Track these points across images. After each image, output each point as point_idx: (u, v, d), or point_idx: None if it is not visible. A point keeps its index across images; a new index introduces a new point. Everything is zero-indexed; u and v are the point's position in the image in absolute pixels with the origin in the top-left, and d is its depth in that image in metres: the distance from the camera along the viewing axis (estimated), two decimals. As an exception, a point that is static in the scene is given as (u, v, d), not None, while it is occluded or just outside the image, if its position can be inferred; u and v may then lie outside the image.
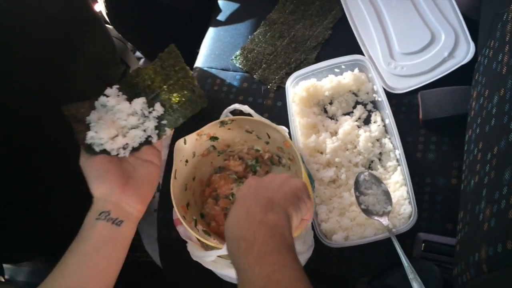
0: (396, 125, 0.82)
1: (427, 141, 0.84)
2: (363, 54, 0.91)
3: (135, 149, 0.71)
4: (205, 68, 1.02)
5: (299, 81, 0.91)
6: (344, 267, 0.79)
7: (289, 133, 0.85)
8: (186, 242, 0.73)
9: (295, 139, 0.85)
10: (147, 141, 0.72)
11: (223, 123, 0.75)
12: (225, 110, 0.83)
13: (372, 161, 0.84)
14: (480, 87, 0.72)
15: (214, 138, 0.78)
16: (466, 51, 0.86)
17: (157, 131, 0.73)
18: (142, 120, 0.73)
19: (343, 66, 0.90)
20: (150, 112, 0.74)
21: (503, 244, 0.49)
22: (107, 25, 1.04)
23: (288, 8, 1.05)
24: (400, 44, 0.91)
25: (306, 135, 0.86)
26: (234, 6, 1.12)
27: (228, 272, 0.70)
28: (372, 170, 0.83)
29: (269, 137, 0.77)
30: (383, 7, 0.96)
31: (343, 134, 0.85)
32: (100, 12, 1.18)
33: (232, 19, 1.10)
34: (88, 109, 0.71)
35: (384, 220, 0.74)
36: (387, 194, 0.76)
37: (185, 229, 0.69)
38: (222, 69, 1.02)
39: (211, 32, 1.10)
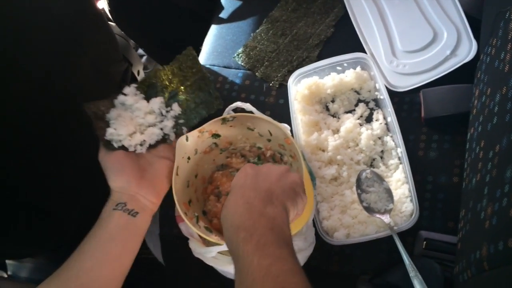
0: (398, 123, 0.82)
1: (429, 139, 0.84)
2: (365, 52, 0.91)
3: (152, 146, 0.74)
4: (208, 66, 1.02)
5: (301, 79, 0.91)
6: (346, 264, 0.79)
7: (291, 130, 0.85)
8: (188, 239, 0.73)
9: (297, 137, 0.85)
10: (164, 139, 0.75)
11: (225, 120, 0.75)
12: (227, 108, 0.83)
13: (374, 159, 0.84)
14: (482, 85, 0.72)
15: (216, 136, 0.78)
16: (468, 49, 0.86)
17: (174, 130, 0.76)
18: (159, 118, 0.76)
19: (345, 64, 0.90)
20: (167, 112, 0.77)
21: (505, 242, 0.49)
22: (109, 23, 1.05)
23: (291, 6, 1.05)
24: (402, 42, 0.91)
25: (308, 132, 0.86)
26: (237, 4, 1.12)
27: (229, 269, 0.70)
28: (374, 168, 0.83)
29: (271, 134, 0.77)
30: (386, 5, 0.96)
31: (345, 132, 0.85)
32: (103, 9, 1.18)
33: (234, 17, 1.10)
34: (108, 107, 0.73)
35: (386, 218, 0.74)
36: (388, 192, 0.76)
37: (187, 226, 0.69)
38: (225, 67, 1.02)
39: (213, 29, 1.10)
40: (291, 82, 0.90)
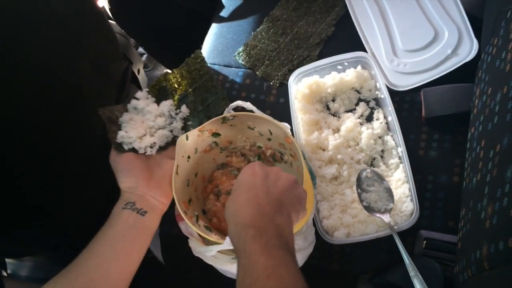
0: (399, 122, 0.82)
1: (430, 138, 0.84)
2: (366, 51, 0.91)
3: (162, 148, 0.76)
4: (208, 64, 1.02)
5: (302, 77, 0.91)
6: (345, 263, 0.79)
7: (292, 130, 0.84)
8: (187, 238, 0.73)
9: (297, 136, 0.85)
10: (173, 141, 0.77)
11: (225, 119, 0.75)
12: (228, 107, 0.83)
13: (374, 158, 0.84)
14: (483, 84, 0.71)
15: (216, 134, 0.78)
16: (469, 49, 0.86)
17: (183, 131, 0.78)
18: (169, 121, 0.78)
19: (346, 63, 0.90)
20: (176, 114, 0.79)
21: (505, 242, 0.49)
22: (110, 21, 1.04)
23: (291, 4, 1.05)
24: (403, 41, 0.91)
25: (309, 132, 0.86)
26: (237, 2, 1.12)
27: (228, 268, 0.70)
28: (374, 167, 0.83)
29: (271, 133, 0.77)
30: (387, 4, 0.96)
31: (345, 131, 0.85)
32: (103, 7, 1.18)
33: (235, 16, 1.10)
34: (121, 111, 0.76)
35: (386, 217, 0.74)
36: (389, 192, 0.76)
37: (187, 225, 0.69)
38: (225, 66, 1.02)
39: (214, 28, 1.10)
40: (291, 81, 0.90)
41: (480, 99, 0.71)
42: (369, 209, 0.75)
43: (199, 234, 0.69)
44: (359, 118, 0.87)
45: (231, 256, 0.69)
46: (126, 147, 0.73)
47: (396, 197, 0.76)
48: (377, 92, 0.88)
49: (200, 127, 0.74)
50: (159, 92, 0.81)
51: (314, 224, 0.77)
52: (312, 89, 0.89)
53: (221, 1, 1.13)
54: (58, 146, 0.80)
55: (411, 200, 0.76)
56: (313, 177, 0.78)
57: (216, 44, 1.06)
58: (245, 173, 0.60)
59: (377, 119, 0.87)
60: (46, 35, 0.75)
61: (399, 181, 0.79)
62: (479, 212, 0.59)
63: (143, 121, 0.76)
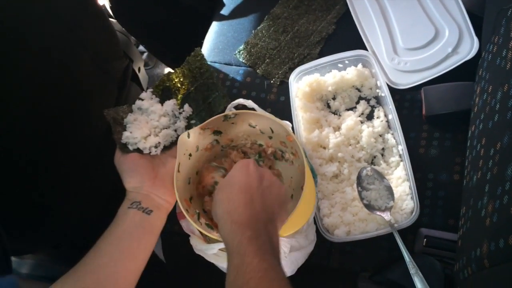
0: (399, 120, 0.82)
1: (430, 136, 0.84)
2: (366, 50, 0.91)
3: (166, 148, 0.76)
4: (209, 63, 1.02)
5: (303, 76, 0.91)
6: (346, 261, 0.79)
7: (292, 128, 0.85)
8: (189, 235, 0.73)
9: (298, 134, 0.85)
10: (177, 140, 0.76)
11: (226, 117, 0.75)
12: (229, 105, 0.83)
13: (374, 157, 0.84)
14: (483, 82, 0.72)
15: (217, 132, 0.78)
16: (470, 47, 0.86)
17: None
18: (173, 120, 0.79)
19: (346, 61, 0.90)
20: (180, 113, 0.80)
21: (505, 240, 0.49)
22: (110, 19, 1.04)
23: (292, 3, 1.05)
24: (404, 39, 0.91)
25: (309, 130, 0.86)
26: (238, 0, 1.12)
27: (230, 266, 0.70)
28: (374, 165, 0.83)
29: (272, 131, 0.77)
30: (387, 2, 0.96)
31: (346, 129, 0.85)
32: (104, 5, 1.18)
33: (235, 14, 1.10)
34: (126, 112, 0.77)
35: (386, 215, 0.74)
36: (389, 190, 0.77)
37: (188, 223, 0.69)
38: (226, 64, 1.02)
39: (214, 26, 1.10)
40: (292, 79, 0.90)
41: (480, 97, 0.71)
42: (369, 207, 0.76)
43: (200, 232, 0.69)
44: (359, 116, 0.88)
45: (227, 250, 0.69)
46: (131, 148, 0.73)
47: (396, 195, 0.77)
48: (377, 90, 0.88)
49: (201, 125, 0.74)
50: (163, 92, 0.82)
51: (314, 222, 0.78)
52: (313, 87, 0.89)
53: (222, -1, 1.13)
54: (60, 142, 0.80)
55: (412, 198, 0.76)
56: (314, 175, 0.78)
57: (217, 42, 1.06)
58: (239, 170, 0.61)
59: (377, 117, 0.87)
60: (46, 33, 0.75)
61: (400, 179, 0.79)
62: (480, 210, 0.59)
63: (148, 121, 0.76)
